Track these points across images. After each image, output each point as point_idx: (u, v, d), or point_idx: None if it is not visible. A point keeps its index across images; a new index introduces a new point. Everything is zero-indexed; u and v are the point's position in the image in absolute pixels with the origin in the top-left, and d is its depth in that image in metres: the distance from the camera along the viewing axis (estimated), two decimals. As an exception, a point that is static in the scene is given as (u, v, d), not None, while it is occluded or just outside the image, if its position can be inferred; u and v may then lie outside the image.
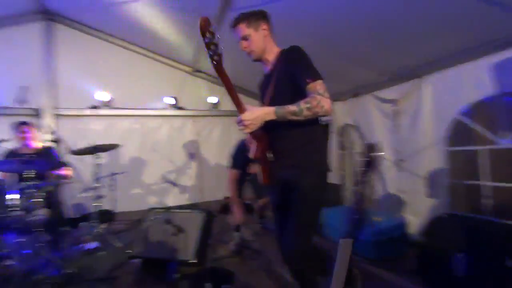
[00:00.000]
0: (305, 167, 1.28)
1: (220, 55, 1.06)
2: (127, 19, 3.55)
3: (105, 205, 3.29)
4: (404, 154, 3.05)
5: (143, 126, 4.31)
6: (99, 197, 2.94)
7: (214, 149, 4.70)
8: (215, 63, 1.07)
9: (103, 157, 2.85)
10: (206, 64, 4.42)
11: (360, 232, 1.03)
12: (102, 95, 3.96)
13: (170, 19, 3.43)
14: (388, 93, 3.23)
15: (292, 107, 1.17)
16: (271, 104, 1.28)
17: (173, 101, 4.40)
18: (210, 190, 4.59)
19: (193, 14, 3.29)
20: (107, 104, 3.99)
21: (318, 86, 1.19)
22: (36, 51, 3.77)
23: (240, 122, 1.18)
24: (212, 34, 1.02)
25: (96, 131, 3.97)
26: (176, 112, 4.42)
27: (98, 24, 3.99)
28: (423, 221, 2.52)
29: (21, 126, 2.64)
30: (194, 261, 2.00)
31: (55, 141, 2.31)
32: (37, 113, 3.64)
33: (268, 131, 1.28)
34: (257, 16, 1.35)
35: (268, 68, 1.41)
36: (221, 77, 1.13)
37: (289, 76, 1.27)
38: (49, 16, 3.83)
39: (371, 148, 0.99)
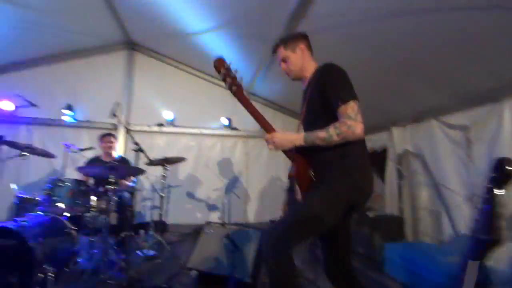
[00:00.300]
0: (329, 177, 1.22)
1: (238, 85, 1.30)
2: (194, 48, 4.00)
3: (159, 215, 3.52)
4: (478, 189, 2.69)
5: (199, 144, 4.61)
6: (156, 207, 3.15)
7: (262, 169, 4.76)
8: (233, 92, 1.30)
9: (165, 170, 3.08)
10: (260, 88, 4.67)
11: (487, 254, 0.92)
12: (167, 114, 4.39)
13: (233, 46, 3.75)
14: (457, 118, 2.95)
15: (321, 133, 1.18)
16: (304, 122, 1.37)
17: (227, 122, 4.65)
18: (255, 211, 4.60)
19: (255, 40, 3.68)
20: (170, 123, 4.41)
21: (349, 109, 1.15)
22: (119, 75, 4.43)
23: (268, 140, 1.26)
24: (227, 69, 1.28)
25: (159, 146, 4.38)
26: (229, 132, 4.66)
27: (170, 53, 4.55)
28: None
29: (106, 137, 3.05)
30: (249, 281, 1.97)
31: (138, 150, 2.59)
32: (114, 128, 4.18)
33: (305, 152, 1.29)
34: (294, 38, 1.42)
35: (304, 85, 1.43)
36: (242, 102, 1.31)
37: (320, 96, 1.27)
38: (132, 46, 4.51)
39: (505, 162, 0.90)
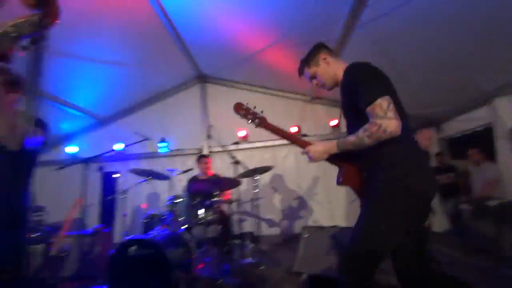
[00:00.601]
0: (380, 180, 1.17)
1: (260, 117, 1.49)
2: (258, 66, 4.28)
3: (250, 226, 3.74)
4: None
5: (273, 156, 4.77)
6: (243, 220, 3.33)
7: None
8: (258, 124, 1.49)
9: (254, 181, 3.27)
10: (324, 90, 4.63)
11: None
12: (241, 133, 4.73)
13: (293, 55, 3.87)
14: None
15: (352, 138, 1.17)
16: (346, 126, 1.35)
17: (296, 129, 4.71)
18: (340, 215, 4.41)
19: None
20: (244, 140, 4.73)
21: (376, 108, 1.09)
22: (196, 107, 5.06)
23: (304, 154, 1.32)
24: (245, 109, 1.51)
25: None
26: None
27: (236, 77, 4.98)
28: None
29: (203, 158, 3.47)
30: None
31: (235, 162, 2.88)
32: (199, 152, 4.72)
33: (352, 157, 1.28)
34: (312, 53, 1.42)
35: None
36: (270, 130, 1.45)
37: (348, 99, 1.27)
38: (203, 79, 5.12)
39: None
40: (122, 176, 4.44)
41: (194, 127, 4.97)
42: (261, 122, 1.48)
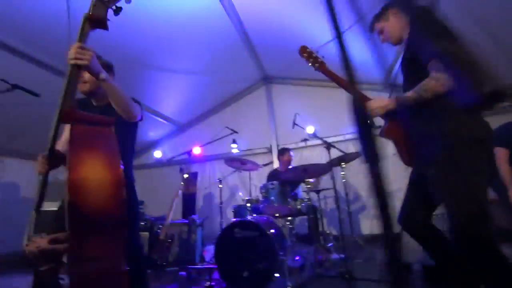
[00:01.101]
0: (439, 139, 1.16)
1: (320, 62, 1.57)
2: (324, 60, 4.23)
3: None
4: None
5: (345, 150, 4.61)
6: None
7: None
8: (317, 68, 1.57)
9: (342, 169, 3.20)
10: (400, 75, 4.30)
11: None
12: (309, 129, 4.71)
13: (362, 45, 3.73)
14: None
15: (411, 94, 1.18)
16: (404, 82, 1.34)
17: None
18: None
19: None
20: (312, 136, 4.69)
21: (434, 64, 1.12)
22: (263, 108, 5.26)
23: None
24: (309, 52, 1.61)
25: (307, 159, 4.69)
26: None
27: (300, 74, 5.02)
28: None
29: (287, 152, 3.58)
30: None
31: (327, 147, 2.92)
32: (269, 150, 4.86)
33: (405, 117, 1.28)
34: (383, 9, 1.42)
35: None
36: (327, 75, 1.50)
37: (411, 52, 1.24)
38: (268, 80, 5.31)
39: None
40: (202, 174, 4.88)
41: (262, 127, 5.17)
42: (320, 67, 1.57)
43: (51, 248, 0.90)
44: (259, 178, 4.95)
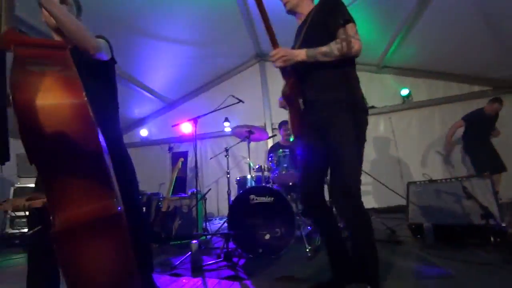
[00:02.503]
0: (337, 106, 1.25)
1: None
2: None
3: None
4: None
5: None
6: None
7: (414, 143, 4.38)
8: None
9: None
10: (393, 58, 4.41)
11: None
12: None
13: (363, 23, 3.74)
14: None
15: (323, 48, 1.23)
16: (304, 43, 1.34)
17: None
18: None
19: (386, 11, 3.59)
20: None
21: (349, 28, 1.24)
22: (257, 85, 5.16)
23: (272, 56, 1.29)
24: None
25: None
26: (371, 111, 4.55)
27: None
28: None
29: (285, 125, 3.52)
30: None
31: None
32: (264, 128, 4.80)
33: (301, 77, 1.35)
34: None
35: (299, 21, 1.48)
36: (259, 7, 1.31)
37: (322, 24, 1.31)
38: (262, 58, 5.17)
39: None
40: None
41: (257, 104, 5.06)
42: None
43: (27, 204, 0.86)
44: (254, 155, 4.91)
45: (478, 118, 3.64)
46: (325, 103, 1.28)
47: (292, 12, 1.49)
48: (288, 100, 1.42)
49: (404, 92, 4.45)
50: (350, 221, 1.25)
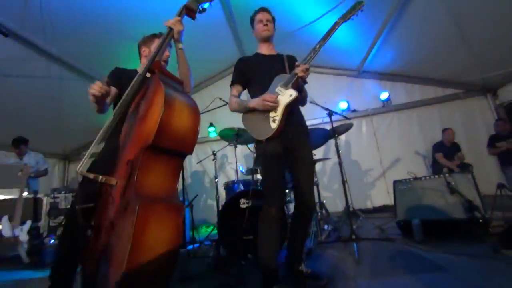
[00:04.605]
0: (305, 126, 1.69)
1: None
2: (302, 42, 4.27)
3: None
4: None
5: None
6: None
7: (395, 144, 4.54)
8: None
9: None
10: (373, 63, 4.58)
11: None
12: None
13: (344, 29, 3.87)
14: None
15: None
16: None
17: (346, 105, 4.71)
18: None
19: (366, 17, 3.74)
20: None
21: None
22: (242, 89, 5.11)
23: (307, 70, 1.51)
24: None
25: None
26: (350, 115, 4.67)
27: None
28: None
29: None
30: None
31: None
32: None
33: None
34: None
35: (267, 51, 1.76)
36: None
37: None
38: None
39: None
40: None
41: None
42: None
43: (103, 179, 1.07)
44: (243, 159, 4.84)
45: (439, 148, 4.05)
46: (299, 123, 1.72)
47: (264, 41, 1.75)
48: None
49: (384, 95, 4.63)
50: None
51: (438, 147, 4.09)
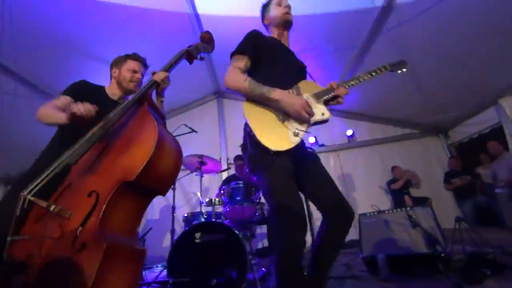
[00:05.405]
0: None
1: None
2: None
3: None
4: None
5: (294, 165, 4.77)
6: None
7: (360, 178, 4.64)
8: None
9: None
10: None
11: None
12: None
13: (314, 64, 4.14)
14: None
15: None
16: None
17: (313, 140, 4.83)
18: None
19: (333, 55, 4.05)
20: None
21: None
22: (214, 120, 5.13)
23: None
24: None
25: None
26: (318, 149, 4.77)
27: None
28: None
29: (240, 159, 3.40)
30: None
31: None
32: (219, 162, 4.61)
33: None
34: None
35: (286, 42, 1.59)
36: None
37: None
38: (220, 94, 5.26)
39: None
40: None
41: (214, 138, 4.96)
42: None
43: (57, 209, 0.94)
44: (208, 190, 4.60)
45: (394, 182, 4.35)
46: None
47: (289, 27, 1.49)
48: None
49: (349, 132, 4.85)
50: None
51: (392, 182, 4.37)
